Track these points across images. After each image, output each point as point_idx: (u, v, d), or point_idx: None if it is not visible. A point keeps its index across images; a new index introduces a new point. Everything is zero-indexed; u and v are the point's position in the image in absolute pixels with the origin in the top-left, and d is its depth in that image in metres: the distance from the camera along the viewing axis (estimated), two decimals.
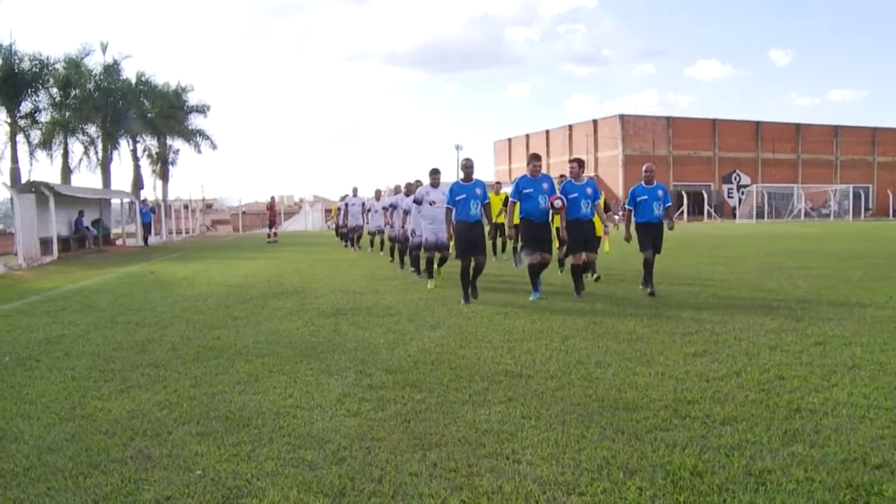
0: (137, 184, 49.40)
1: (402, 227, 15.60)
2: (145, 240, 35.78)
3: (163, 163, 51.57)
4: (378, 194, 23.14)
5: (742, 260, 18.31)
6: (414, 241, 14.69)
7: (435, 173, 13.20)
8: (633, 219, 12.08)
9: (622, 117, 68.50)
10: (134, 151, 49.51)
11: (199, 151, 52.42)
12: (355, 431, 4.85)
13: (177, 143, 52.16)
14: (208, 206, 74.27)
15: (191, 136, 51.75)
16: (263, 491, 3.91)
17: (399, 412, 5.27)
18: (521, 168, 66.70)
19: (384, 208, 19.29)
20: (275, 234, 35.28)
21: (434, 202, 12.96)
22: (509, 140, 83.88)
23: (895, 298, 10.49)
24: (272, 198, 39.54)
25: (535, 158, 11.32)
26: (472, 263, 11.09)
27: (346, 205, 26.24)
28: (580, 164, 11.98)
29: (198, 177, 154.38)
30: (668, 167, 67.68)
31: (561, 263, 14.62)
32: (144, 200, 41.52)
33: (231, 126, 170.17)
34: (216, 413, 5.35)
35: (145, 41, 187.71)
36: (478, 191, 11.12)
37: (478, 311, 10.03)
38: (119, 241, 35.98)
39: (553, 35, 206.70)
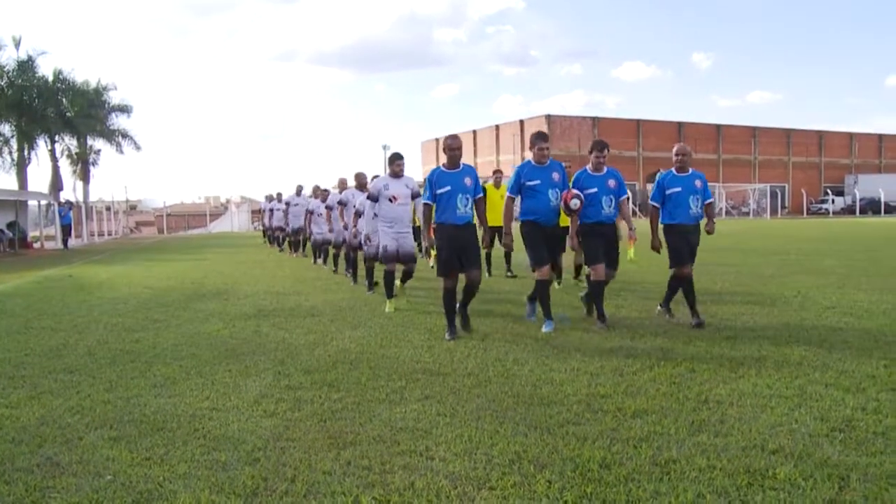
0: (56, 185, 47.88)
1: (354, 228, 12.49)
2: (65, 242, 34.82)
3: (83, 163, 50.08)
4: (316, 192, 18.86)
5: (665, 258, 18.72)
6: (369, 249, 11.69)
7: (396, 159, 10.36)
8: (660, 220, 9.07)
9: (549, 117, 69.29)
10: (52, 152, 47.94)
11: (122, 152, 51.03)
12: (271, 432, 4.85)
13: (98, 143, 50.60)
14: (132, 208, 72.73)
15: (112, 136, 50.35)
16: (175, 494, 3.89)
17: (315, 412, 5.29)
18: None
19: (328, 208, 15.57)
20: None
21: (395, 198, 10.17)
22: (437, 140, 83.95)
23: (802, 293, 10.90)
24: None
25: (541, 138, 8.52)
26: (462, 281, 8.35)
27: (288, 204, 22.64)
28: (602, 148, 8.85)
29: (121, 178, 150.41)
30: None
31: (577, 272, 12.33)
32: (66, 202, 40.32)
33: (156, 126, 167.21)
34: (130, 417, 5.28)
35: (64, 38, 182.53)
36: (467, 181, 8.21)
37: (400, 311, 10.07)
38: (37, 244, 34.95)
39: (481, 36, 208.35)
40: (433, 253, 8.77)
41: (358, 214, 12.04)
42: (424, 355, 7.15)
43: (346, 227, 13.87)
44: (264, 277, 15.81)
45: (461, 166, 8.32)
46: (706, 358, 6.73)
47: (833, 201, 68.71)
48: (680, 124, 75.14)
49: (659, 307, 9.36)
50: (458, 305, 8.40)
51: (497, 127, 75.04)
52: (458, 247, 8.17)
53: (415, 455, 4.36)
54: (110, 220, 51.31)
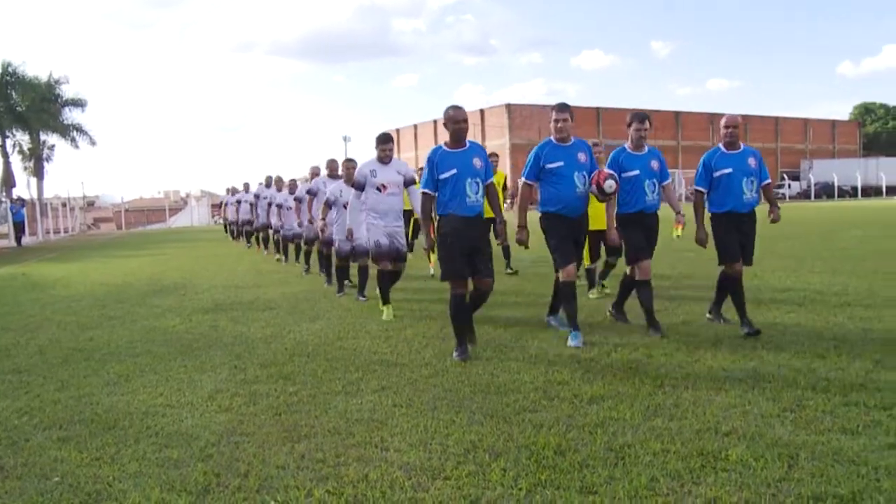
0: (8, 181, 46.88)
1: (323, 221, 10.78)
2: (18, 240, 34.14)
3: (36, 159, 49.13)
4: (279, 182, 17.06)
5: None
6: (342, 247, 10.53)
7: (385, 141, 9.03)
8: (706, 206, 7.60)
9: (509, 106, 69.43)
10: (3, 147, 46.99)
11: (77, 147, 50.16)
12: (225, 427, 4.79)
13: (52, 138, 49.67)
14: (90, 204, 71.64)
15: (67, 130, 49.43)
16: (125, 493, 3.82)
17: (271, 405, 5.24)
18: (409, 158, 66.95)
19: (297, 200, 13.99)
20: None
21: (385, 186, 8.91)
22: (397, 130, 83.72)
23: (759, 276, 11.03)
24: None
25: (562, 109, 6.98)
26: (472, 289, 6.73)
27: (258, 197, 19.72)
28: (643, 119, 7.53)
29: (78, 173, 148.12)
30: None
31: (604, 274, 10.15)
32: (18, 199, 39.52)
33: (113, 120, 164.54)
34: (81, 417, 5.17)
35: (14, 32, 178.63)
36: (476, 162, 6.62)
37: (359, 303, 10.02)
38: None
39: (441, 25, 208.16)
40: (433, 257, 6.85)
41: (328, 205, 10.66)
42: (382, 346, 7.12)
43: (311, 222, 12.61)
44: (223, 271, 15.65)
45: (467, 144, 6.70)
46: (662, 343, 6.78)
47: (789, 186, 69.74)
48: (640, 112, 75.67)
49: (708, 314, 7.90)
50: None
51: None
52: (468, 245, 6.55)
53: (369, 447, 4.34)
54: (66, 216, 50.43)
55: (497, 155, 12.98)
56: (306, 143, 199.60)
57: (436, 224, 6.85)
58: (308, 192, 12.69)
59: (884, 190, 65.86)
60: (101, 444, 4.57)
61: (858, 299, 8.75)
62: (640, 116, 7.52)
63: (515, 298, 9.86)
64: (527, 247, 7.20)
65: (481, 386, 5.57)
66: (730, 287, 7.49)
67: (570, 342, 6.85)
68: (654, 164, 7.47)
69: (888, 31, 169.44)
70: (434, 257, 6.76)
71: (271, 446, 4.40)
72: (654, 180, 7.45)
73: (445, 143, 6.71)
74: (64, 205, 51.05)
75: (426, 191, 6.65)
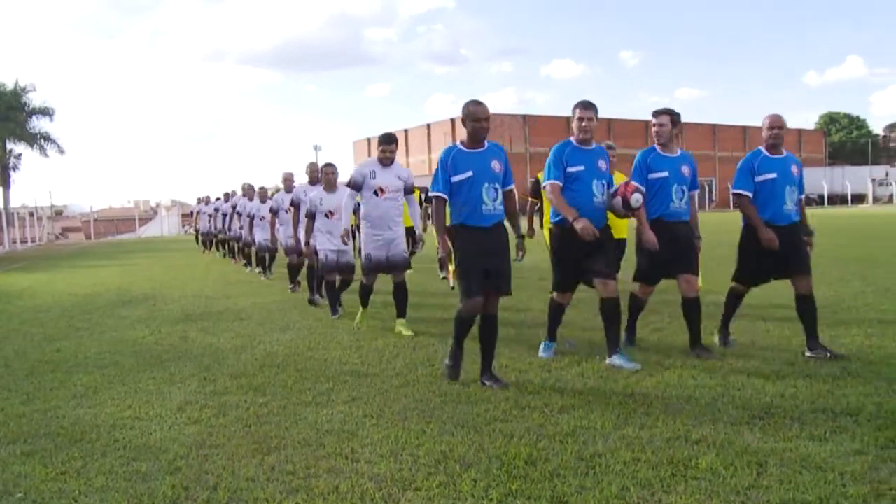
0: None
1: (305, 233, 10.01)
2: None
3: (3, 168, 48.51)
4: (249, 191, 16.53)
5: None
6: (328, 258, 9.58)
7: (388, 141, 8.29)
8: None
9: None
10: None
11: (46, 155, 49.54)
12: (194, 439, 4.74)
13: (19, 146, 49.11)
14: (58, 213, 70.74)
15: (34, 139, 48.83)
16: None
17: (240, 417, 5.19)
18: None
19: (272, 211, 13.24)
20: None
21: (382, 190, 8.12)
22: (368, 140, 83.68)
23: (716, 290, 11.10)
24: None
25: (588, 107, 6.39)
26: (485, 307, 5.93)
27: (234, 208, 18.45)
28: (674, 117, 6.83)
29: (46, 182, 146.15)
30: (525, 164, 69.34)
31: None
32: None
33: (83, 129, 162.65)
34: (46, 430, 5.08)
35: None
36: (495, 165, 5.94)
37: (329, 313, 9.95)
38: None
39: (412, 35, 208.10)
40: (452, 268, 5.91)
41: (310, 217, 9.74)
42: (353, 357, 7.09)
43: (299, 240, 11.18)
44: (192, 282, 15.52)
45: (486, 144, 6.00)
46: (632, 351, 6.80)
47: None
48: (610, 121, 76.16)
49: (718, 338, 7.10)
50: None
51: (428, 126, 75.06)
52: (487, 258, 5.82)
53: (340, 458, 4.31)
54: (34, 226, 49.76)
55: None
56: (277, 152, 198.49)
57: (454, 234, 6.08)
58: (292, 203, 11.49)
59: (849, 198, 66.88)
60: (66, 458, 4.49)
61: (825, 307, 8.85)
62: (668, 111, 6.84)
63: None
64: (593, 233, 6.00)
65: (452, 396, 5.56)
66: (802, 306, 6.65)
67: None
68: (685, 170, 6.73)
69: (851, 42, 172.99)
70: (453, 268, 5.72)
71: (241, 458, 4.35)
72: (684, 186, 6.71)
73: (462, 142, 6.00)
74: (31, 214, 50.37)
75: (438, 194, 5.91)
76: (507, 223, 6.05)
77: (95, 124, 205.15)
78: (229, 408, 5.44)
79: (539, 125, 71.90)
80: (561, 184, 6.37)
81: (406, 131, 77.45)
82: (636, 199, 6.30)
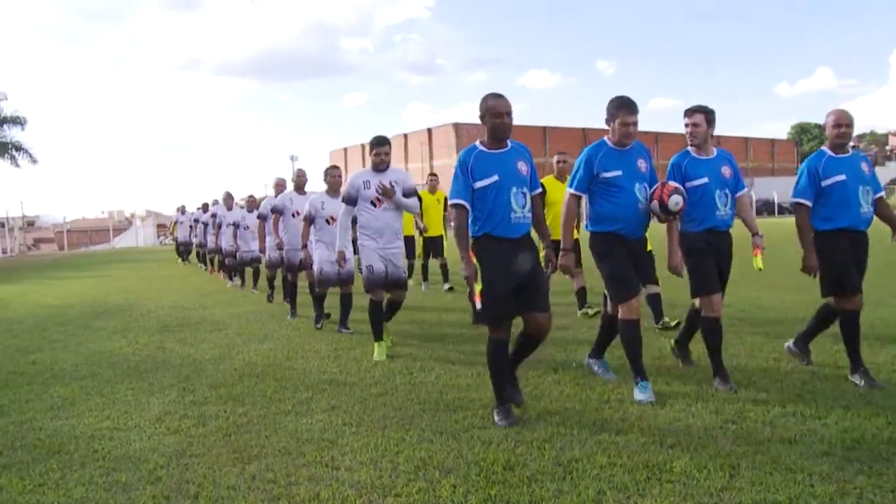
0: None
1: (304, 246, 9.27)
2: None
3: None
4: (228, 200, 16.29)
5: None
6: (327, 272, 8.88)
7: (380, 144, 7.60)
8: (810, 224, 6.03)
9: (456, 125, 69.84)
10: None
11: (17, 165, 48.97)
12: (174, 449, 4.75)
13: None
14: (30, 224, 69.97)
15: (5, 149, 48.27)
16: None
17: (220, 426, 5.21)
18: None
19: (261, 217, 11.98)
20: None
21: (380, 200, 7.50)
22: (345, 150, 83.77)
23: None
24: None
25: (628, 108, 5.62)
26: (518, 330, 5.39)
27: (214, 217, 17.67)
28: (709, 115, 6.09)
29: (17, 192, 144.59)
30: None
31: (582, 299, 9.49)
32: None
33: (55, 138, 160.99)
34: (23, 442, 5.07)
35: None
36: (521, 167, 5.27)
37: (308, 322, 9.97)
38: None
39: (388, 44, 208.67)
40: (478, 288, 4.90)
41: (308, 222, 9.08)
42: (331, 366, 7.13)
43: (280, 245, 10.70)
44: (169, 292, 15.44)
45: (509, 144, 5.32)
46: (608, 359, 6.88)
47: None
48: (585, 130, 76.71)
49: (791, 346, 6.53)
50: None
51: (405, 136, 75.23)
52: (514, 274, 5.13)
53: (320, 466, 4.35)
54: (5, 237, 49.23)
55: (436, 175, 12.76)
56: (253, 162, 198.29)
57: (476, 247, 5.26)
58: (273, 209, 10.98)
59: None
60: (44, 470, 4.48)
61: (795, 313, 8.99)
62: (703, 109, 6.10)
63: (462, 316, 9.93)
64: (573, 275, 5.75)
65: (430, 404, 5.61)
66: (847, 327, 5.90)
67: (638, 395, 5.53)
68: (727, 171, 6.04)
69: (821, 54, 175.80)
70: (479, 288, 4.75)
71: (221, 467, 4.38)
72: (727, 190, 6.01)
73: (481, 142, 5.31)
74: (2, 225, 49.82)
75: (459, 202, 5.17)
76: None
77: (68, 133, 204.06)
78: (209, 417, 5.46)
79: (515, 134, 71.25)
80: (582, 194, 5.73)
81: None
82: (675, 201, 5.62)
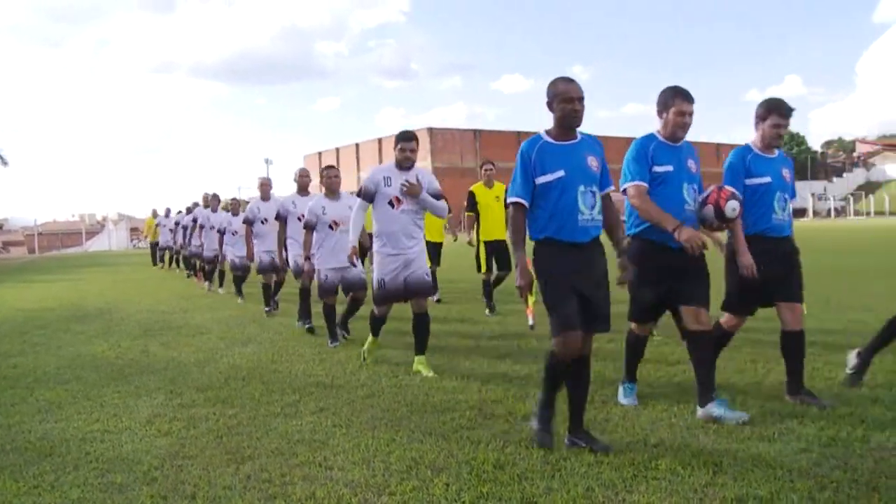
0: None
1: (305, 254, 8.66)
2: None
3: None
4: (207, 200, 16.09)
5: None
6: (329, 279, 8.38)
7: (407, 139, 6.86)
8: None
9: (431, 130, 69.92)
10: None
11: None
12: (167, 451, 4.80)
13: None
14: None
15: None
16: None
17: (211, 429, 5.27)
18: None
19: (247, 222, 11.56)
20: None
21: (399, 200, 6.79)
22: (319, 154, 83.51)
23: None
24: None
25: (684, 96, 5.16)
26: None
27: (196, 221, 16.86)
28: (783, 109, 5.48)
29: None
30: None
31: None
32: None
33: (26, 140, 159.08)
34: (13, 445, 5.08)
35: None
36: (591, 162, 4.67)
37: (289, 326, 10.04)
38: None
39: (363, 49, 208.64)
40: (532, 298, 4.40)
41: (309, 228, 8.48)
42: (316, 369, 7.20)
43: (307, 256, 8.91)
44: (147, 297, 15.41)
45: (578, 135, 4.70)
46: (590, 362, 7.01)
47: None
48: None
49: (855, 365, 5.90)
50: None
51: (380, 140, 75.17)
52: (582, 281, 4.54)
53: (314, 466, 4.42)
54: None
55: (492, 167, 11.48)
56: (228, 166, 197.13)
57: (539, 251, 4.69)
58: (277, 216, 9.99)
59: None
60: (38, 472, 4.51)
61: (772, 316, 9.18)
62: (781, 106, 5.50)
63: (443, 326, 10.05)
64: (626, 282, 4.86)
65: (417, 406, 5.70)
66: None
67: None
68: (786, 173, 5.57)
69: (790, 62, 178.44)
70: (533, 300, 4.16)
71: (216, 468, 4.44)
72: (786, 194, 5.54)
73: (547, 132, 4.68)
74: None
75: (517, 199, 4.61)
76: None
77: (39, 135, 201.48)
78: (199, 420, 5.51)
79: (489, 140, 72.42)
80: (647, 185, 5.15)
81: (357, 145, 77.53)
82: (732, 207, 5.11)
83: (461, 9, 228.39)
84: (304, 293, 9.65)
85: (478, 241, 10.61)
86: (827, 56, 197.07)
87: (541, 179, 4.55)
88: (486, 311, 10.65)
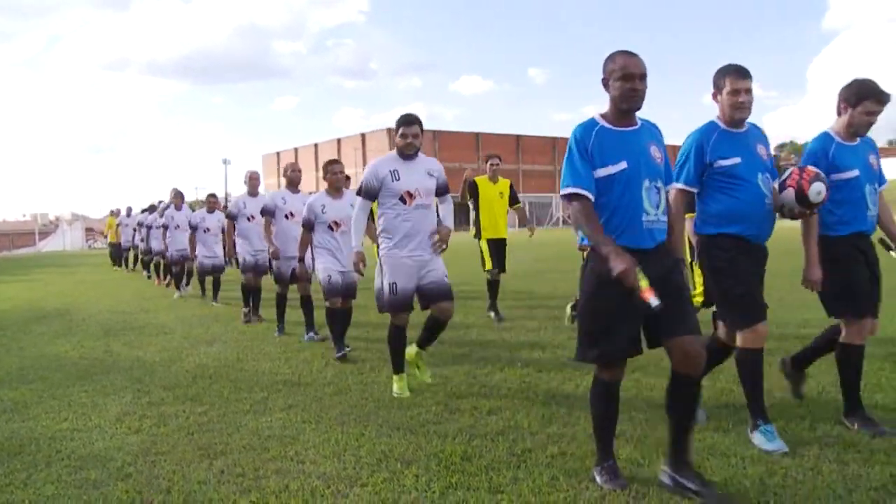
0: None
1: (300, 257, 8.17)
2: None
3: None
4: (177, 200, 15.05)
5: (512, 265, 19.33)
6: (332, 281, 7.68)
7: (409, 123, 5.94)
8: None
9: (390, 130, 69.47)
10: None
11: None
12: (139, 447, 4.87)
13: None
14: None
15: None
16: None
17: (182, 426, 5.34)
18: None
19: (230, 217, 10.78)
20: None
21: (411, 195, 5.95)
22: (278, 154, 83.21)
23: None
24: None
25: (737, 71, 4.46)
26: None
27: (165, 223, 15.16)
28: (877, 93, 4.63)
29: None
30: None
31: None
32: None
33: None
34: None
35: None
36: (655, 152, 3.93)
37: (252, 327, 10.10)
38: None
39: (321, 48, 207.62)
40: (645, 282, 3.51)
41: (307, 228, 7.87)
42: (283, 367, 7.29)
43: (276, 255, 9.07)
44: (107, 297, 15.31)
45: (638, 122, 3.97)
46: (551, 360, 7.19)
47: None
48: (518, 137, 77.72)
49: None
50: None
51: (339, 140, 75.12)
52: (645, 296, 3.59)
53: (286, 460, 4.53)
54: None
55: (497, 160, 10.73)
56: (184, 165, 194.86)
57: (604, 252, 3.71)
58: (264, 211, 9.36)
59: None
60: (8, 471, 4.54)
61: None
62: (876, 92, 4.64)
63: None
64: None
65: (384, 402, 5.83)
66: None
67: (768, 446, 4.41)
68: (872, 160, 4.79)
69: (745, 66, 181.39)
70: (646, 282, 3.47)
71: (189, 463, 4.53)
72: (876, 185, 4.79)
73: (603, 116, 3.95)
74: None
75: (579, 191, 3.81)
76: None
77: None
78: (168, 417, 5.58)
79: (448, 140, 72.73)
80: (694, 189, 4.54)
81: (316, 146, 77.40)
82: (817, 189, 4.32)
83: (420, 9, 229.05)
84: (306, 301, 8.94)
85: (479, 236, 10.03)
86: (780, 61, 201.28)
87: (601, 172, 3.81)
88: (492, 316, 9.88)
